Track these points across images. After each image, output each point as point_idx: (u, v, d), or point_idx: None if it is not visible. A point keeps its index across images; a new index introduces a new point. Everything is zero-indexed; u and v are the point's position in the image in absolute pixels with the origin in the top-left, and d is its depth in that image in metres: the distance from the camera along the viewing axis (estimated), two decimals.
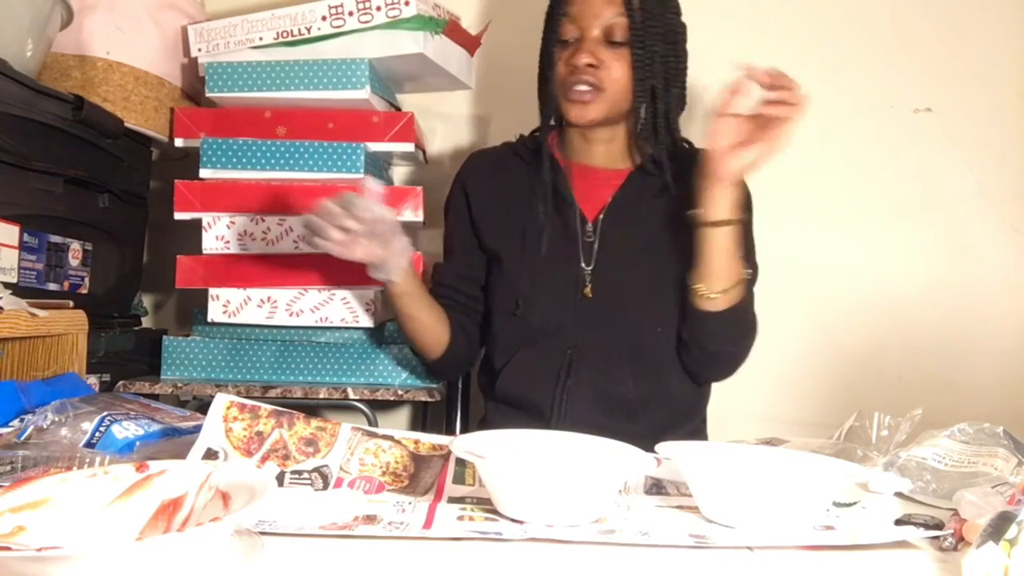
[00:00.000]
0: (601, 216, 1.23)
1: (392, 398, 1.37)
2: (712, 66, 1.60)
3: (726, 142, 1.06)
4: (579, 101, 1.19)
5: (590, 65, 1.17)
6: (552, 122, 1.27)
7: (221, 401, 0.83)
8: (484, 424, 1.30)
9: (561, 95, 1.21)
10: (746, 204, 1.24)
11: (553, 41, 1.22)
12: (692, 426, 1.26)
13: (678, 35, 1.24)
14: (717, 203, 1.10)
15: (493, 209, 1.29)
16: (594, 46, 1.18)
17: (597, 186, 1.25)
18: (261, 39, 1.43)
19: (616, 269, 1.21)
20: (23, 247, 1.15)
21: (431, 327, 1.25)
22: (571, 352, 1.19)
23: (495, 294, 1.28)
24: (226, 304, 1.41)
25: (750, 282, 1.21)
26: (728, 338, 1.19)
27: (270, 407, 0.84)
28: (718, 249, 1.11)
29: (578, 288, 1.21)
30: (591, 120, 1.21)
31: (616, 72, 1.18)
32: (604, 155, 1.27)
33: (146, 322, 1.65)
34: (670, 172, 1.22)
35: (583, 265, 1.21)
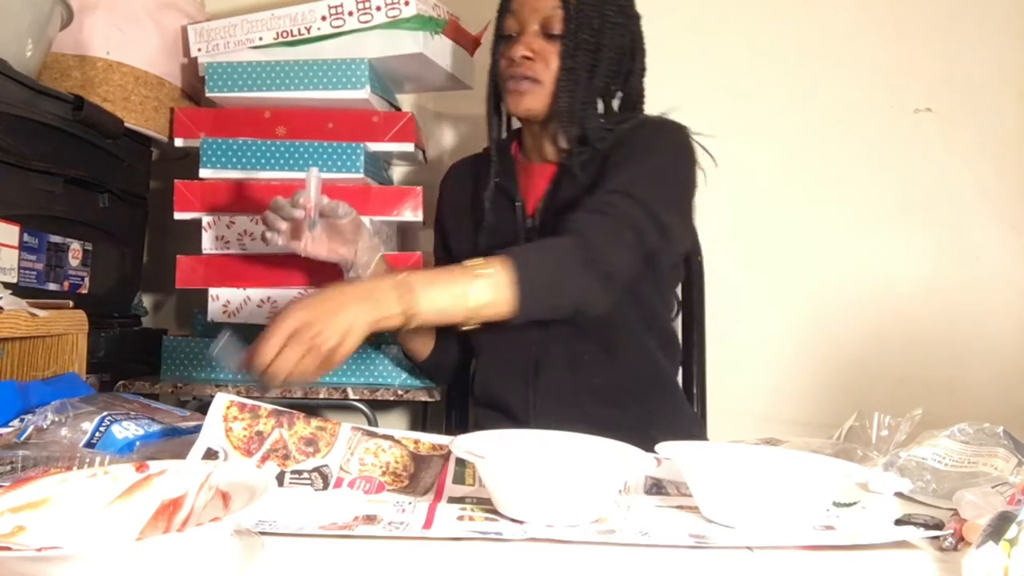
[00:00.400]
0: (538, 208, 1.24)
1: (392, 398, 1.37)
2: (713, 66, 1.61)
3: None
4: (516, 91, 1.21)
5: (525, 57, 1.18)
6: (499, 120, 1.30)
7: (221, 401, 0.83)
8: (470, 427, 1.32)
9: (502, 88, 1.23)
10: (647, 148, 1.18)
11: (497, 38, 1.24)
12: (673, 400, 1.26)
13: (618, 27, 1.20)
14: (395, 328, 0.95)
15: (458, 215, 1.33)
16: (531, 39, 1.19)
17: (537, 179, 1.26)
18: (261, 39, 1.43)
19: None
20: (23, 247, 1.15)
21: (417, 334, 1.27)
22: (535, 349, 1.20)
23: None
24: (226, 304, 1.41)
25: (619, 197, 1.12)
26: (590, 289, 1.05)
27: (270, 407, 0.84)
28: (442, 314, 0.97)
29: None
30: (528, 110, 1.21)
31: (553, 64, 1.19)
32: (544, 149, 1.27)
33: (146, 322, 1.65)
34: (585, 159, 1.20)
35: None
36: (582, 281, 1.03)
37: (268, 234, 1.16)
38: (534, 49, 1.19)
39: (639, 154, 1.17)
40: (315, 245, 1.18)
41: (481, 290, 0.96)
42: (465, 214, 1.32)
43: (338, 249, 1.19)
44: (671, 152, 1.18)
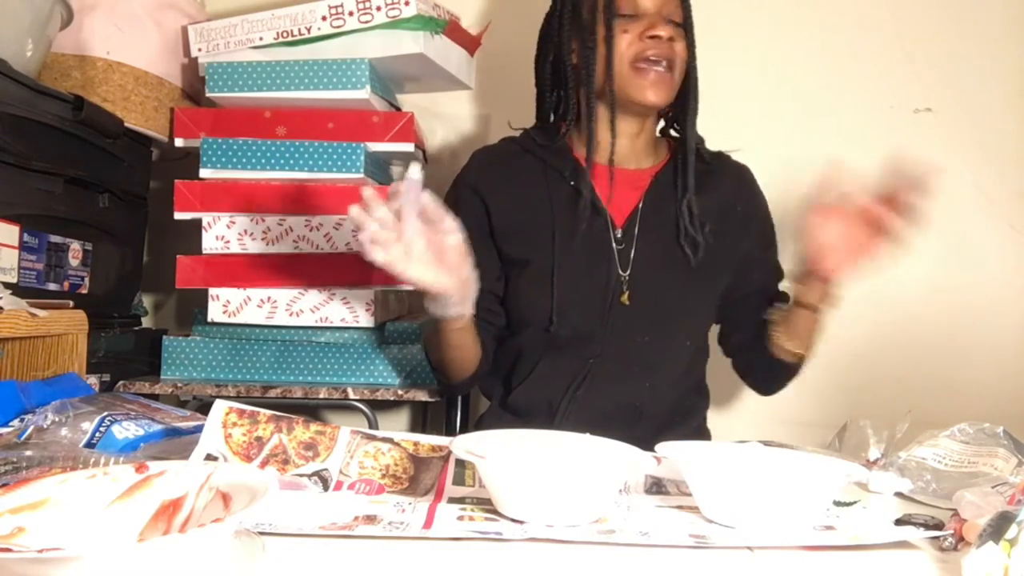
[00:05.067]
0: (632, 220, 1.18)
1: (392, 398, 1.37)
2: (712, 67, 1.60)
3: (824, 239, 1.05)
4: (658, 78, 1.10)
5: (669, 38, 1.10)
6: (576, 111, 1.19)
7: (220, 407, 0.83)
8: (480, 426, 1.28)
9: (630, 72, 1.11)
10: (772, 220, 1.28)
11: (612, 13, 1.10)
12: (695, 424, 1.26)
13: None
14: (810, 293, 1.13)
15: (515, 215, 1.19)
16: (662, 21, 1.10)
17: (622, 187, 1.18)
18: (261, 39, 1.43)
19: (653, 275, 1.17)
20: (23, 247, 1.15)
21: (473, 354, 1.16)
22: (592, 362, 1.16)
23: (518, 305, 1.20)
24: (226, 304, 1.41)
25: (778, 281, 1.26)
26: (780, 381, 1.25)
27: (269, 412, 0.84)
28: (803, 322, 1.16)
29: (614, 296, 1.15)
30: (664, 101, 1.13)
31: (682, 52, 1.12)
32: (628, 151, 1.20)
33: (146, 322, 1.65)
34: (695, 171, 1.18)
35: (620, 271, 1.16)
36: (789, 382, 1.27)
37: (360, 236, 0.94)
38: (672, 33, 1.10)
39: (770, 223, 1.29)
40: (419, 267, 0.97)
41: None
42: (522, 216, 1.18)
43: (437, 274, 0.98)
44: None
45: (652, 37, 1.10)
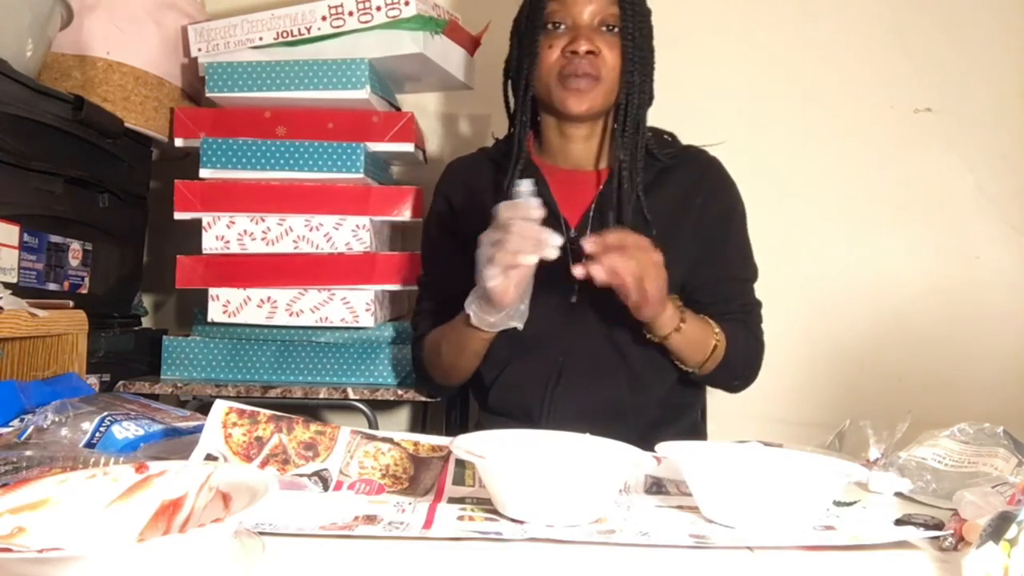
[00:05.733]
0: (584, 221, 1.19)
1: (392, 398, 1.37)
2: (712, 67, 1.61)
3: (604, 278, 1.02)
4: (577, 90, 1.14)
5: (590, 52, 1.12)
6: (524, 118, 1.21)
7: (220, 407, 0.83)
8: (478, 428, 1.29)
9: (556, 84, 1.15)
10: (738, 211, 1.24)
11: (538, 26, 1.15)
12: (688, 421, 1.25)
13: (651, 29, 1.21)
14: (654, 327, 1.10)
15: (473, 220, 1.18)
16: (590, 32, 1.13)
17: (575, 189, 1.20)
18: (261, 39, 1.43)
19: None
20: (23, 247, 1.15)
21: (480, 361, 1.19)
22: (562, 359, 1.17)
23: None
24: (226, 304, 1.41)
25: (748, 286, 1.23)
26: (726, 382, 1.23)
27: (269, 412, 0.84)
28: (681, 346, 1.12)
29: (566, 295, 1.16)
30: (589, 111, 1.16)
31: (611, 61, 1.14)
32: (581, 154, 1.22)
33: (146, 322, 1.65)
34: (642, 170, 1.19)
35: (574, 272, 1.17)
36: (736, 382, 1.23)
37: (548, 251, 0.96)
38: (596, 44, 1.13)
39: (737, 219, 1.24)
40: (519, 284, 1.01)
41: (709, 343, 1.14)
42: (480, 221, 1.19)
43: (520, 291, 1.03)
44: (743, 211, 1.25)
45: (573, 52, 1.13)
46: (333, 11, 1.39)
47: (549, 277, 1.14)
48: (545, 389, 1.17)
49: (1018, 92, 1.68)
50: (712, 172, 1.25)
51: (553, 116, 1.21)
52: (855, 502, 0.80)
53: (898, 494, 0.85)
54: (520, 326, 1.08)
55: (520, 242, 0.96)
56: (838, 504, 0.79)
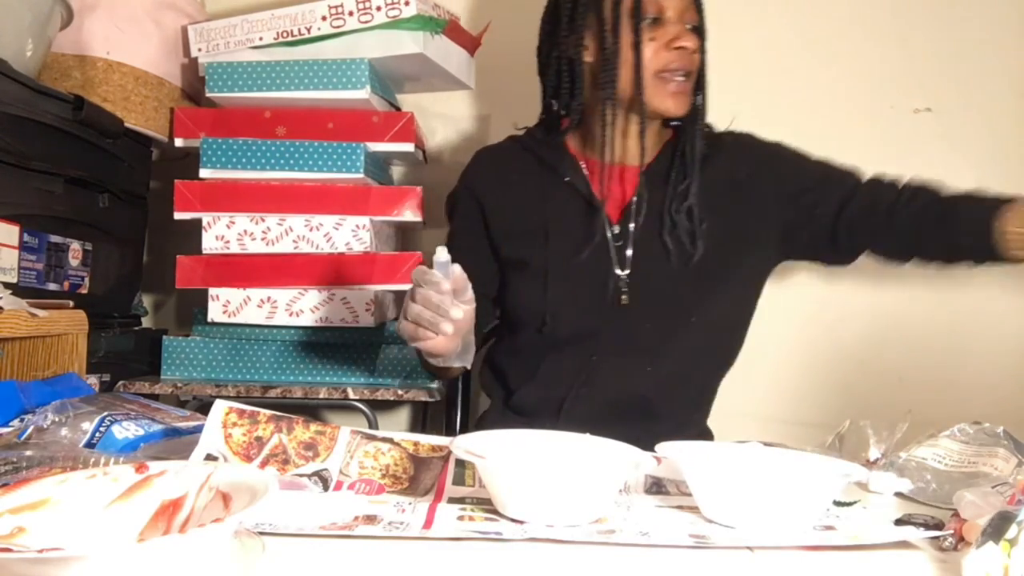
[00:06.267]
0: (627, 216, 1.15)
1: (392, 398, 1.37)
2: (711, 67, 1.59)
3: None
4: (681, 92, 1.10)
5: (694, 51, 1.09)
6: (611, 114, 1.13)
7: (220, 407, 0.83)
8: (482, 423, 1.28)
9: (653, 81, 1.09)
10: (793, 156, 1.22)
11: (639, 17, 1.07)
12: (703, 426, 1.25)
13: None
14: None
15: (509, 216, 1.19)
16: (683, 29, 1.09)
17: (615, 182, 1.16)
18: (261, 39, 1.43)
19: (653, 272, 1.14)
20: (23, 247, 1.15)
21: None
22: (595, 359, 1.15)
23: (515, 305, 1.20)
24: (226, 304, 1.41)
25: (856, 174, 1.21)
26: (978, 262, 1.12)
27: (269, 412, 0.84)
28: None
29: (612, 296, 1.14)
30: (685, 112, 1.12)
31: (699, 61, 1.12)
32: (632, 150, 1.16)
33: (146, 322, 1.65)
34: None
35: (617, 271, 1.14)
36: None
37: (444, 325, 0.94)
38: (696, 45, 1.10)
39: (800, 159, 1.21)
40: (451, 338, 0.98)
41: None
42: (517, 215, 1.18)
43: (456, 342, 1.02)
44: (796, 151, 1.23)
45: (678, 48, 1.08)
46: (333, 11, 1.39)
47: (593, 277, 1.14)
48: (571, 388, 1.16)
49: (1018, 92, 1.68)
50: (748, 144, 1.23)
51: (636, 115, 1.13)
52: (855, 502, 0.80)
53: (898, 494, 0.85)
54: (468, 366, 1.08)
55: (420, 313, 0.94)
56: (838, 504, 0.79)
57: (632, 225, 1.15)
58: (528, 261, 1.16)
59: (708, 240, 1.14)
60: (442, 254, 0.95)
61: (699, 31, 1.12)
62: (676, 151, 1.17)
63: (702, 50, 1.13)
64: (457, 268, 0.95)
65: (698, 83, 1.15)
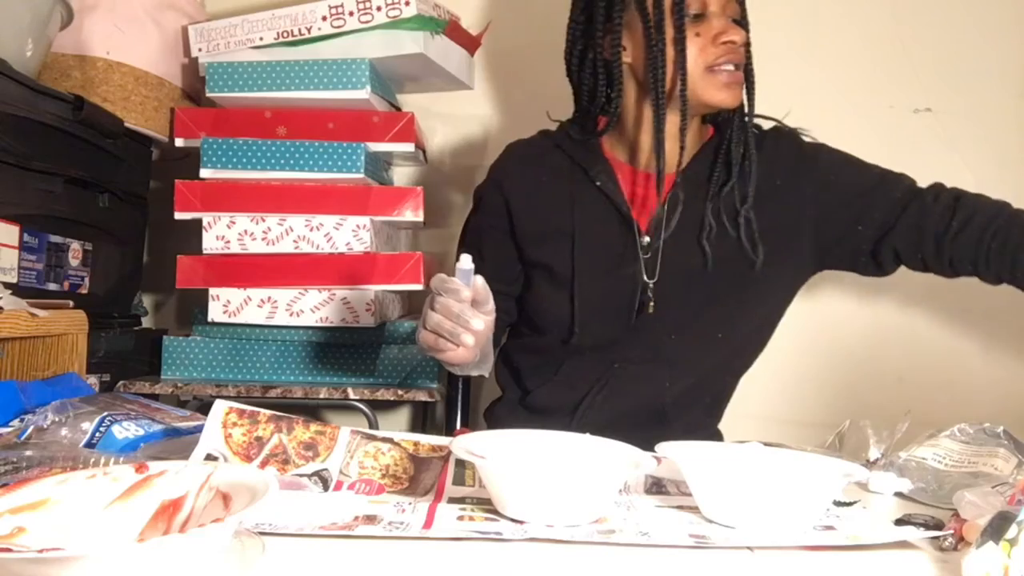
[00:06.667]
0: (658, 222, 1.11)
1: (392, 398, 1.37)
2: None
3: None
4: (734, 82, 1.05)
5: (744, 45, 1.06)
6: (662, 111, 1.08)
7: (220, 407, 0.83)
8: (491, 416, 1.25)
9: (704, 75, 1.05)
10: (842, 160, 1.17)
11: (682, 13, 1.03)
12: (714, 427, 1.24)
13: None
14: None
15: (537, 218, 1.15)
16: (730, 22, 1.05)
17: (645, 189, 1.12)
18: (261, 39, 1.43)
19: (683, 280, 1.11)
20: (23, 247, 1.15)
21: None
22: (617, 366, 1.13)
23: (539, 310, 1.17)
24: (226, 304, 1.41)
25: (913, 183, 1.17)
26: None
27: (269, 412, 0.84)
28: None
29: (640, 304, 1.11)
30: (739, 103, 1.08)
31: (746, 52, 1.08)
32: (670, 154, 1.10)
33: (146, 322, 1.65)
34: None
35: (646, 279, 1.11)
36: None
37: (464, 337, 0.91)
38: (744, 39, 1.06)
39: (849, 165, 1.16)
40: (470, 348, 0.95)
41: None
42: (544, 218, 1.14)
43: (476, 352, 0.99)
44: (845, 155, 1.20)
45: (727, 43, 1.04)
46: (333, 11, 1.39)
47: (621, 285, 1.12)
48: (588, 393, 1.14)
49: (1018, 92, 1.68)
50: (787, 145, 1.17)
51: (679, 115, 1.08)
52: (855, 502, 0.80)
53: (898, 494, 0.85)
54: (486, 375, 1.09)
55: (440, 323, 0.92)
56: (838, 504, 0.79)
57: (664, 232, 1.10)
58: (553, 266, 1.13)
59: (741, 250, 1.10)
60: (466, 262, 0.91)
61: (742, 24, 1.09)
62: (719, 148, 1.12)
63: (747, 43, 1.09)
64: (479, 279, 0.92)
65: (746, 76, 1.10)
